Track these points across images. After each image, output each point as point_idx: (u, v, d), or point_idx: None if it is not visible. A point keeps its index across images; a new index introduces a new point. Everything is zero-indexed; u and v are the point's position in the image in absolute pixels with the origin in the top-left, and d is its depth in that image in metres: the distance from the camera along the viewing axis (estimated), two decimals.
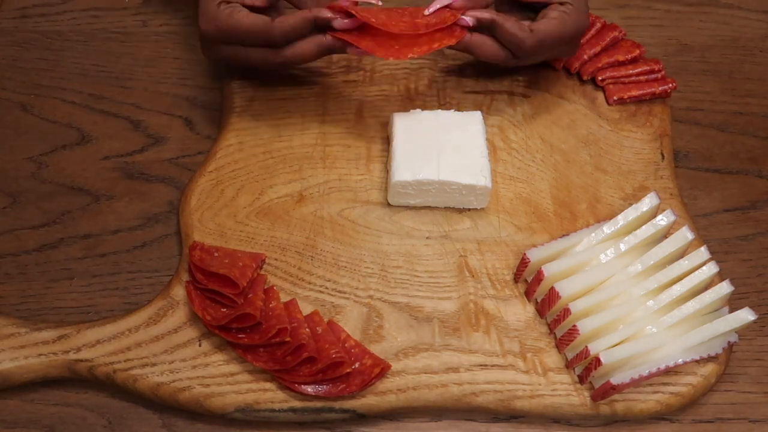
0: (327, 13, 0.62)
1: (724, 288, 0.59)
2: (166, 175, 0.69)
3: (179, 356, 0.59)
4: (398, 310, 0.62)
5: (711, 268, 0.60)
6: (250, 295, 0.59)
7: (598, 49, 0.73)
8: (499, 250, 0.64)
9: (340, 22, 0.62)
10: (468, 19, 0.64)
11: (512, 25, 0.64)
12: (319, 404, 0.57)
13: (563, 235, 0.64)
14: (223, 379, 0.58)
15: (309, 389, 0.57)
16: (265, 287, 0.61)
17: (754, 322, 0.57)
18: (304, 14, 0.62)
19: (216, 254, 0.61)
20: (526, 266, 0.62)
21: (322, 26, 0.63)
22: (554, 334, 0.61)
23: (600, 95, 0.73)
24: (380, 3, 0.65)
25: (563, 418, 0.59)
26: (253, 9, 0.65)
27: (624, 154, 0.70)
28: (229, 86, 0.72)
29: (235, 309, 0.58)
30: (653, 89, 0.72)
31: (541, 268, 0.60)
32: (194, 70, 0.75)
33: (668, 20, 0.81)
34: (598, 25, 0.75)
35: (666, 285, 0.60)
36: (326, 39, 0.63)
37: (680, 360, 0.57)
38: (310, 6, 0.65)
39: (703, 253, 0.60)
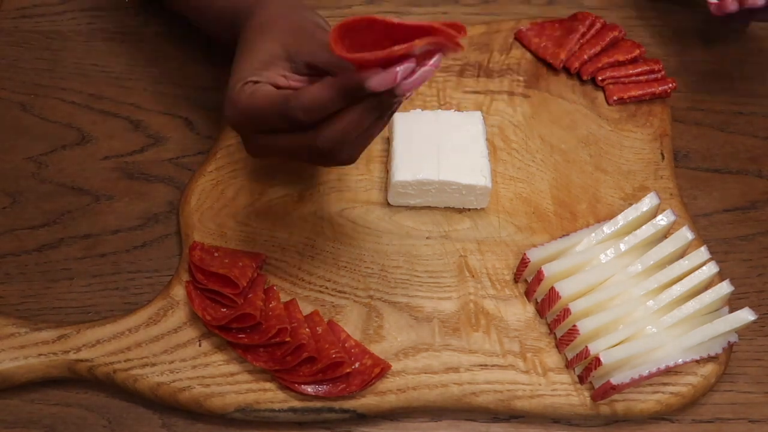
0: (357, 75, 0.45)
1: (724, 288, 0.59)
2: (166, 175, 0.69)
3: (179, 356, 0.59)
4: (398, 310, 0.62)
5: (711, 268, 0.60)
6: (250, 295, 0.59)
7: (598, 49, 0.73)
8: (499, 250, 0.64)
9: (375, 82, 0.44)
10: None
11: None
12: (319, 404, 0.57)
13: (563, 235, 0.64)
14: (223, 379, 0.58)
15: (309, 389, 0.57)
16: (265, 287, 0.61)
17: (754, 322, 0.57)
18: (329, 81, 0.46)
19: (216, 254, 0.61)
20: (526, 266, 0.62)
21: (357, 96, 0.46)
22: (554, 334, 0.61)
23: (600, 95, 0.73)
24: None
25: (563, 418, 0.59)
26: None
27: (624, 154, 0.70)
28: None
29: (235, 309, 0.58)
30: (653, 89, 0.72)
31: (541, 268, 0.60)
32: (194, 70, 0.75)
33: (668, 20, 0.81)
34: (598, 25, 0.75)
35: (666, 285, 0.60)
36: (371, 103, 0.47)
37: (680, 360, 0.57)
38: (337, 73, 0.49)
39: (703, 253, 0.60)
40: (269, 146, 0.52)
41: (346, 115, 0.47)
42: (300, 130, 0.49)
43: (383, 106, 0.47)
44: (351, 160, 0.52)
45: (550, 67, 0.74)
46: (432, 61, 0.45)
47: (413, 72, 0.45)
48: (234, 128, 0.53)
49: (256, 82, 0.51)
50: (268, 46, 0.53)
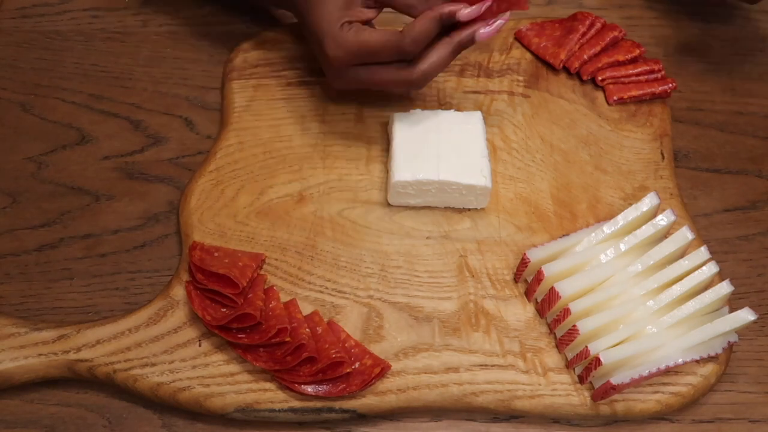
0: (450, 7, 0.59)
1: (724, 288, 0.59)
2: (166, 175, 0.69)
3: (179, 356, 0.59)
4: (398, 310, 0.62)
5: (711, 268, 0.60)
6: (250, 295, 0.59)
7: (598, 49, 0.73)
8: (499, 250, 0.64)
9: (464, 13, 0.60)
10: None
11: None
12: (319, 404, 0.57)
13: (563, 235, 0.64)
14: (223, 379, 0.58)
15: (309, 389, 0.57)
16: (265, 287, 0.61)
17: (754, 322, 0.57)
18: (429, 15, 0.59)
19: (216, 254, 0.61)
20: (526, 266, 0.62)
21: (447, 24, 0.60)
22: (554, 334, 0.61)
23: (600, 95, 0.73)
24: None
25: (563, 418, 0.59)
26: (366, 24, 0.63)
27: (624, 154, 0.70)
28: (229, 86, 0.72)
29: (235, 309, 0.58)
30: (653, 89, 0.72)
31: (541, 268, 0.60)
32: (194, 70, 0.75)
33: (668, 20, 0.81)
34: (598, 25, 0.75)
35: (666, 285, 0.60)
36: (455, 38, 0.60)
37: (680, 360, 0.57)
38: (420, 9, 0.62)
39: (703, 253, 0.60)
40: (364, 78, 0.62)
41: (435, 51, 0.61)
42: (403, 60, 0.61)
43: (462, 47, 0.61)
44: (424, 86, 0.64)
45: (550, 67, 0.74)
46: (506, 16, 0.61)
47: (491, 23, 0.60)
48: (335, 64, 0.61)
49: (350, 23, 0.61)
50: None
